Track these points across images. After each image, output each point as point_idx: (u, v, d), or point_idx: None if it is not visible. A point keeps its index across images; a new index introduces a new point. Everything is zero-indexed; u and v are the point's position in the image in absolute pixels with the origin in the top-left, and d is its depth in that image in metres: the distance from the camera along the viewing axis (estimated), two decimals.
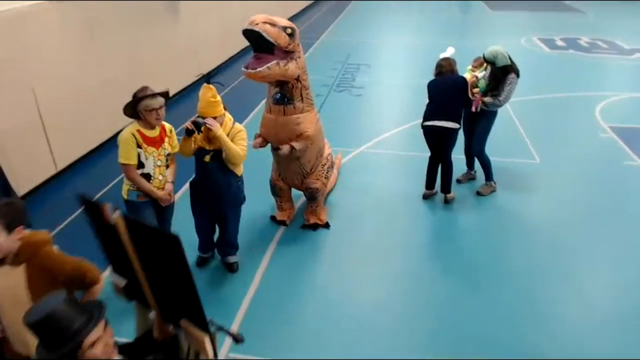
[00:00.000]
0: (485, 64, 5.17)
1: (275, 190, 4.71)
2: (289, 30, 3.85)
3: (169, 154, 3.55)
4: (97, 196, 5.21)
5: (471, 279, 4.04)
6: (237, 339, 1.88)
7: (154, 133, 3.43)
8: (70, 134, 5.81)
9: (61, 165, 5.79)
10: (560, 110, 7.97)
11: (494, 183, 5.37)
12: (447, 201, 5.16)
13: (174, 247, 1.61)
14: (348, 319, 3.60)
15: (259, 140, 4.31)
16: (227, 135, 3.58)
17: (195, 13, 9.07)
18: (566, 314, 3.66)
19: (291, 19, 16.49)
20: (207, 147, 3.65)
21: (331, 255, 4.36)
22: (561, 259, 4.29)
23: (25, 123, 5.22)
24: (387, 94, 9.03)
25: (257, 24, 3.68)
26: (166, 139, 3.52)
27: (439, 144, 4.99)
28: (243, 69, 3.86)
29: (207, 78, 3.53)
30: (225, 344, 3.34)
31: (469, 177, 5.66)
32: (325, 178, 4.65)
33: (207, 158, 3.67)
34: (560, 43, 12.96)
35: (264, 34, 3.68)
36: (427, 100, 4.98)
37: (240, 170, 3.83)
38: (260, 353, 3.29)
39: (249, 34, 3.73)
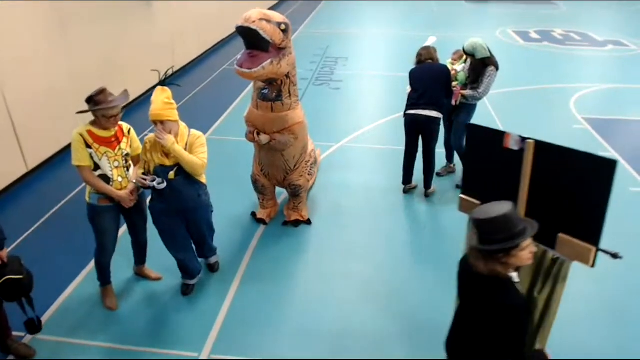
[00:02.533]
0: (464, 57, 5.19)
1: (257, 186, 4.61)
2: (283, 26, 3.72)
3: (128, 155, 3.37)
4: (70, 195, 5.07)
5: (452, 273, 4.05)
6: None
7: (107, 133, 3.25)
8: (41, 132, 5.63)
9: (32, 164, 5.61)
10: (536, 103, 8.09)
11: None
12: (427, 195, 5.18)
13: (609, 170, 2.19)
14: (332, 316, 3.59)
15: (251, 135, 4.20)
16: (185, 145, 3.29)
17: (169, 5, 8.87)
18: None
19: (269, 8, 16.35)
20: (168, 163, 3.29)
21: (313, 252, 4.34)
22: None
23: None
24: (366, 87, 9.02)
25: (253, 22, 3.51)
26: (124, 139, 3.36)
27: (420, 134, 4.98)
28: (237, 67, 3.72)
29: (162, 80, 3.32)
30: (207, 345, 3.30)
31: (449, 170, 5.70)
32: (308, 175, 4.59)
33: (172, 175, 3.30)
34: (534, 35, 13.15)
35: (261, 32, 3.53)
36: (408, 89, 4.96)
37: (204, 178, 3.53)
38: (244, 353, 3.26)
39: (244, 31, 3.57)
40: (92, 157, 3.21)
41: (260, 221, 4.69)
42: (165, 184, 3.26)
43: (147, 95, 8.21)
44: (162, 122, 3.16)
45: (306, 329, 3.47)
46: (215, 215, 3.82)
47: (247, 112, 4.29)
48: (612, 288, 3.90)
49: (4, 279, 2.87)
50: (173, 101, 3.25)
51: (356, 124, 7.13)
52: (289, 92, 4.07)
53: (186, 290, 3.76)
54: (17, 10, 5.35)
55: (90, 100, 3.15)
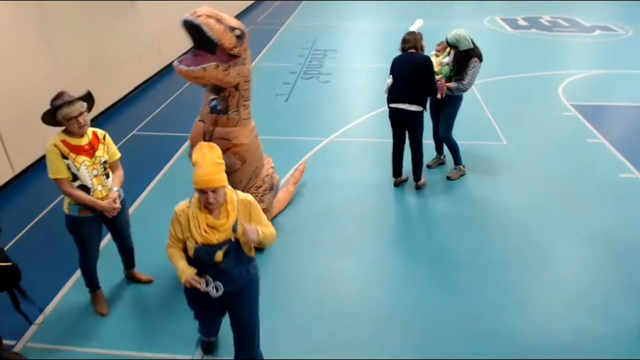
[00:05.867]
0: (448, 49, 5.16)
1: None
2: (237, 32, 3.42)
3: (105, 162, 3.24)
4: (56, 201, 5.01)
5: (447, 268, 4.07)
6: None
7: (81, 141, 3.12)
8: (27, 136, 5.54)
9: (19, 169, 5.54)
10: (525, 91, 8.09)
11: (463, 167, 5.42)
12: (418, 188, 5.18)
13: None
14: (327, 315, 3.58)
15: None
16: (237, 217, 2.54)
17: (154, 5, 8.75)
18: (539, 298, 3.72)
19: (254, 4, 16.19)
20: (215, 240, 2.52)
21: (306, 251, 4.31)
22: (532, 241, 4.36)
23: None
24: (355, 80, 8.97)
25: (199, 16, 3.24)
26: (100, 146, 3.22)
27: (405, 127, 4.96)
28: (175, 63, 3.39)
29: (209, 133, 2.74)
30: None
31: (439, 162, 5.69)
32: (260, 201, 4.09)
33: (220, 256, 2.55)
34: (522, 23, 13.14)
35: (205, 29, 3.24)
36: (389, 80, 4.91)
37: (253, 250, 2.76)
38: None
39: (188, 26, 3.28)
40: (69, 168, 3.09)
41: None
42: (222, 290, 2.55)
43: (132, 95, 8.13)
44: (214, 190, 2.40)
45: (302, 328, 3.46)
46: None
47: (193, 128, 3.88)
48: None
49: None
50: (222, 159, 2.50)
51: (346, 118, 7.10)
52: (238, 106, 3.70)
53: (203, 345, 3.24)
54: (1, 11, 5.24)
55: (49, 109, 3.03)
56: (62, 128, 3.14)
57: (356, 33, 12.60)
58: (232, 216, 2.52)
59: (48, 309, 3.63)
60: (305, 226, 4.63)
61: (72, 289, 3.84)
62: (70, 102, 3.03)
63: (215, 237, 2.51)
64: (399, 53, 4.92)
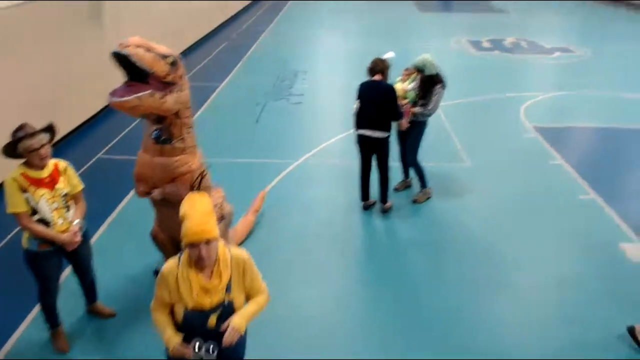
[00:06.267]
0: (414, 74, 5.31)
1: (156, 243, 4.08)
2: (170, 59, 3.37)
3: (66, 194, 3.18)
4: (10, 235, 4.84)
5: (411, 290, 4.13)
6: None
7: (42, 174, 3.07)
8: None
9: None
10: (488, 112, 8.35)
11: (429, 189, 5.53)
12: (384, 211, 5.25)
13: None
14: (295, 344, 3.57)
15: (141, 188, 3.73)
16: (230, 276, 2.31)
17: (120, 20, 8.67)
18: (504, 318, 3.82)
19: (228, 21, 16.24)
20: (207, 305, 2.27)
21: (278, 278, 4.29)
22: (494, 262, 4.47)
23: None
24: (325, 101, 9.08)
25: (127, 46, 3.18)
26: (61, 178, 3.16)
27: (372, 152, 5.07)
28: (109, 95, 3.29)
29: (197, 184, 2.44)
30: None
31: (405, 185, 5.79)
32: None
33: (213, 321, 2.29)
34: (486, 44, 13.59)
35: (133, 59, 3.17)
36: (355, 105, 5.01)
37: None
38: None
39: (118, 57, 3.21)
40: (28, 201, 3.03)
41: None
42: (216, 353, 2.26)
43: (100, 115, 7.99)
44: (207, 242, 2.18)
45: (275, 353, 3.42)
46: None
47: (136, 161, 3.78)
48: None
49: None
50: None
51: (316, 140, 7.15)
52: (181, 134, 3.63)
53: None
54: None
55: (11, 141, 2.96)
56: (22, 160, 3.08)
57: (326, 53, 12.79)
58: (225, 275, 2.27)
59: (6, 348, 3.49)
60: (273, 250, 4.62)
61: (30, 326, 3.71)
62: (32, 134, 2.98)
63: (208, 301, 2.25)
64: (367, 76, 5.02)
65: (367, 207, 5.34)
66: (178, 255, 2.36)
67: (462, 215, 5.24)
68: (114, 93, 3.29)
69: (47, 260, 3.21)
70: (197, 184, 2.45)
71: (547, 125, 7.69)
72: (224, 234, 4.17)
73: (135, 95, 3.25)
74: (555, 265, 4.43)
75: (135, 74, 3.28)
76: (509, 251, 4.63)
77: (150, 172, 3.68)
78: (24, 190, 3.02)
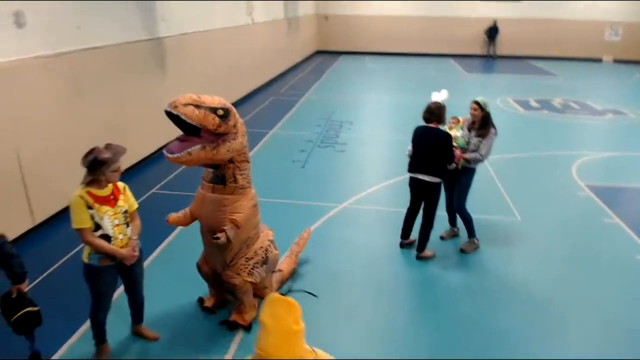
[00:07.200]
0: (461, 122, 5.36)
1: (201, 273, 4.22)
2: (221, 112, 3.50)
3: (126, 212, 3.40)
4: (69, 254, 5.06)
5: (457, 339, 3.96)
6: None
7: (105, 192, 3.29)
8: (50, 188, 5.72)
9: (39, 219, 5.67)
10: (538, 169, 8.19)
11: (477, 240, 5.40)
12: (419, 258, 5.16)
13: None
14: None
15: (179, 215, 3.97)
16: None
17: (181, 65, 9.28)
18: None
19: (275, 78, 17.02)
20: None
21: (308, 316, 4.24)
22: (545, 317, 4.25)
23: (3, 175, 5.15)
24: (369, 150, 9.20)
25: (175, 106, 3.34)
26: (121, 197, 3.39)
27: (421, 196, 5.07)
28: (164, 151, 3.51)
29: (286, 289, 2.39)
30: None
31: (452, 234, 5.69)
32: (248, 274, 3.93)
33: None
34: (534, 104, 13.54)
35: (184, 118, 3.35)
36: (409, 148, 5.06)
37: None
38: None
39: (170, 116, 3.41)
40: (93, 218, 3.22)
41: (206, 309, 4.23)
42: None
43: (155, 156, 8.38)
44: None
45: None
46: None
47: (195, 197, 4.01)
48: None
49: (24, 310, 3.02)
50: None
51: (360, 186, 7.21)
52: (234, 176, 3.79)
53: None
54: (35, 75, 5.60)
55: (94, 161, 3.18)
56: (87, 180, 3.27)
57: (371, 106, 13.08)
58: None
59: (54, 357, 3.58)
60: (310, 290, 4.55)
61: (79, 340, 3.81)
62: (118, 155, 3.27)
63: None
64: (412, 125, 5.09)
65: (404, 245, 5.32)
66: None
67: (511, 268, 5.06)
68: (168, 149, 3.49)
69: (106, 275, 3.36)
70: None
71: (601, 184, 7.45)
72: (263, 278, 4.18)
73: (187, 150, 3.43)
74: (607, 321, 4.16)
75: (188, 129, 3.48)
76: (560, 306, 4.40)
77: (201, 207, 3.88)
78: (89, 207, 3.20)
